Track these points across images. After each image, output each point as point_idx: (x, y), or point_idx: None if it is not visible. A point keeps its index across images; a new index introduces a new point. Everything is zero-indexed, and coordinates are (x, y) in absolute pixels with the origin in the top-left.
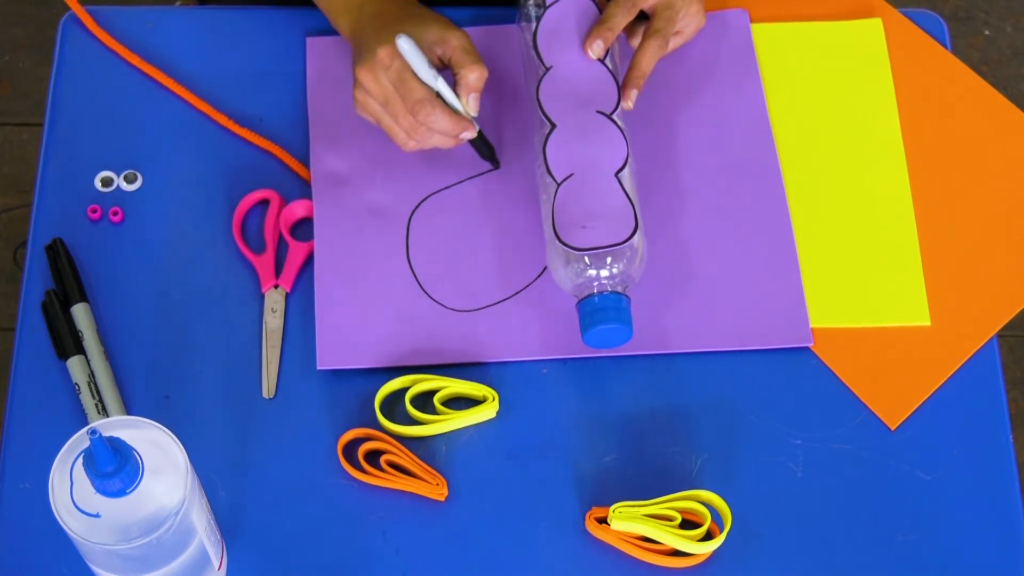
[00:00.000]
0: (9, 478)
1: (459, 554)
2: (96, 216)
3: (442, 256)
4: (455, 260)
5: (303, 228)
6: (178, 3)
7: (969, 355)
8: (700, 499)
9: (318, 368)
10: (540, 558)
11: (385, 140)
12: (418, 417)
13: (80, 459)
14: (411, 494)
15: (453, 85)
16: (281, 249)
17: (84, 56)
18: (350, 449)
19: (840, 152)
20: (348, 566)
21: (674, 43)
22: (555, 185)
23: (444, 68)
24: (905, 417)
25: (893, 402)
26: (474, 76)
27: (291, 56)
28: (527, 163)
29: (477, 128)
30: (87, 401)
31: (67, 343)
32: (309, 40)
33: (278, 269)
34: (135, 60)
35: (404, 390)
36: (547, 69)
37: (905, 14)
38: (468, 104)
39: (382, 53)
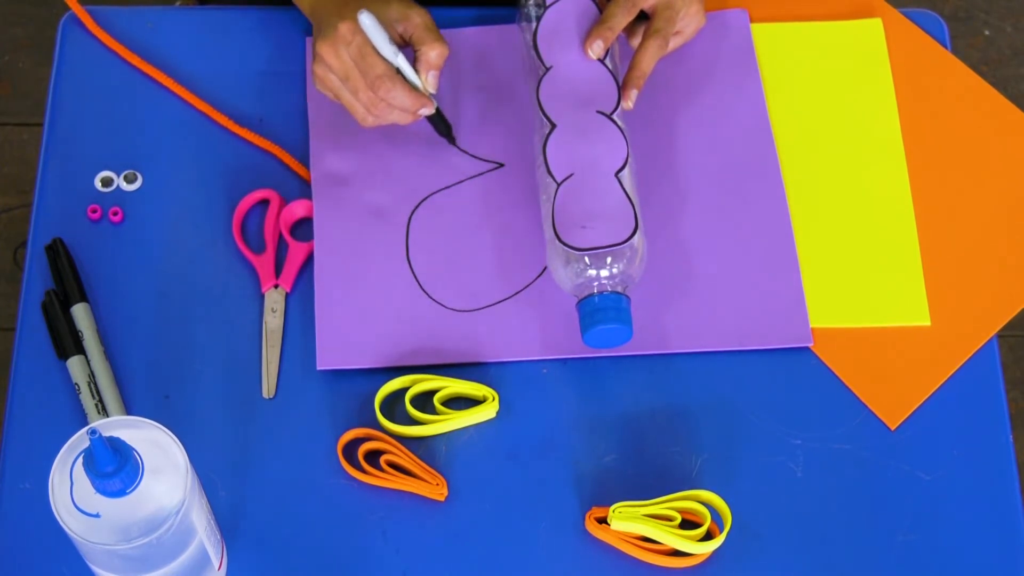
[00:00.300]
0: (9, 478)
1: (459, 554)
2: (96, 216)
3: (442, 256)
4: (455, 260)
5: (303, 228)
6: (178, 3)
7: (969, 355)
8: (700, 499)
9: (318, 368)
10: (540, 558)
11: (385, 140)
12: (418, 417)
13: (80, 459)
14: (411, 494)
15: (413, 62)
16: (281, 249)
17: (84, 56)
18: (350, 449)
19: (840, 152)
20: (348, 566)
21: (674, 43)
22: (555, 185)
23: (405, 46)
24: (905, 417)
25: (893, 402)
26: (434, 53)
27: (291, 56)
28: (527, 163)
29: (435, 105)
30: (87, 401)
31: (67, 343)
32: (309, 40)
33: (278, 269)
34: (135, 60)
35: (404, 390)
36: (547, 69)
37: (905, 14)
38: (427, 81)
39: (343, 28)
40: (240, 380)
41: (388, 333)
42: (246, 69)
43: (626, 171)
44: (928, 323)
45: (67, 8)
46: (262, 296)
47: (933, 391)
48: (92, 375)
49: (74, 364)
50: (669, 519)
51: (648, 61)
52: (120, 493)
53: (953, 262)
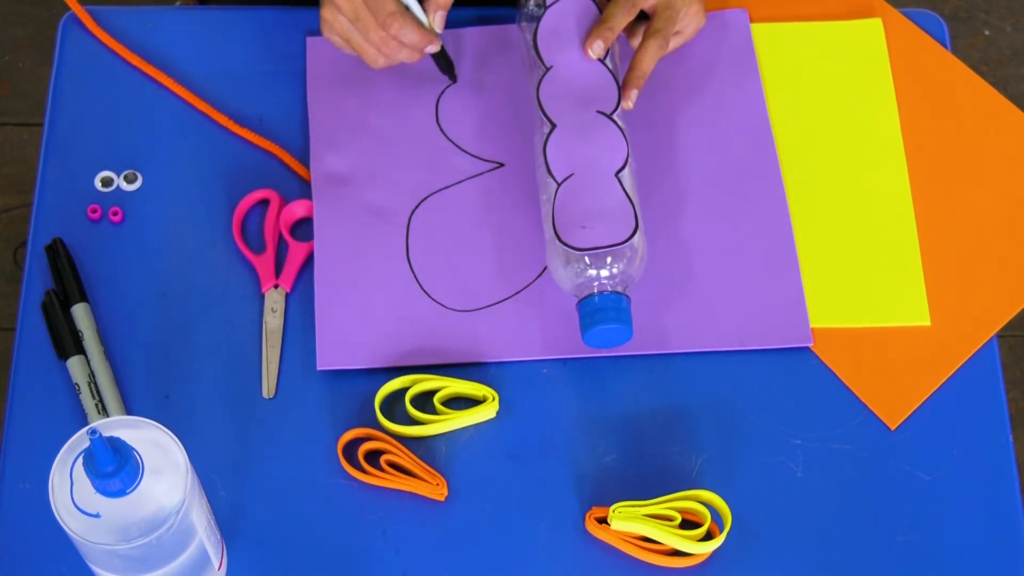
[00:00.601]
0: (9, 478)
1: (459, 554)
2: (96, 216)
3: (442, 256)
4: (455, 260)
5: (303, 228)
6: (178, 3)
7: (969, 355)
8: (700, 499)
9: (318, 368)
10: (540, 558)
11: (385, 140)
12: (418, 417)
13: (80, 459)
14: (411, 494)
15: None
16: (281, 249)
17: (84, 56)
18: (350, 449)
19: (840, 152)
20: (348, 566)
21: (674, 43)
22: (555, 185)
23: None
24: (905, 417)
25: (893, 402)
26: None
27: (291, 56)
28: (527, 163)
29: (441, 43)
30: (87, 401)
31: (67, 343)
32: (309, 40)
33: (278, 269)
34: (135, 60)
35: (404, 390)
36: (547, 69)
37: (905, 14)
38: (435, 20)
39: None
40: (240, 380)
41: (388, 333)
42: (246, 69)
43: (626, 171)
44: (928, 323)
45: (67, 8)
46: (262, 296)
47: (933, 391)
48: (92, 375)
49: (74, 364)
50: (669, 519)
51: (648, 61)
52: (120, 493)
53: (953, 262)
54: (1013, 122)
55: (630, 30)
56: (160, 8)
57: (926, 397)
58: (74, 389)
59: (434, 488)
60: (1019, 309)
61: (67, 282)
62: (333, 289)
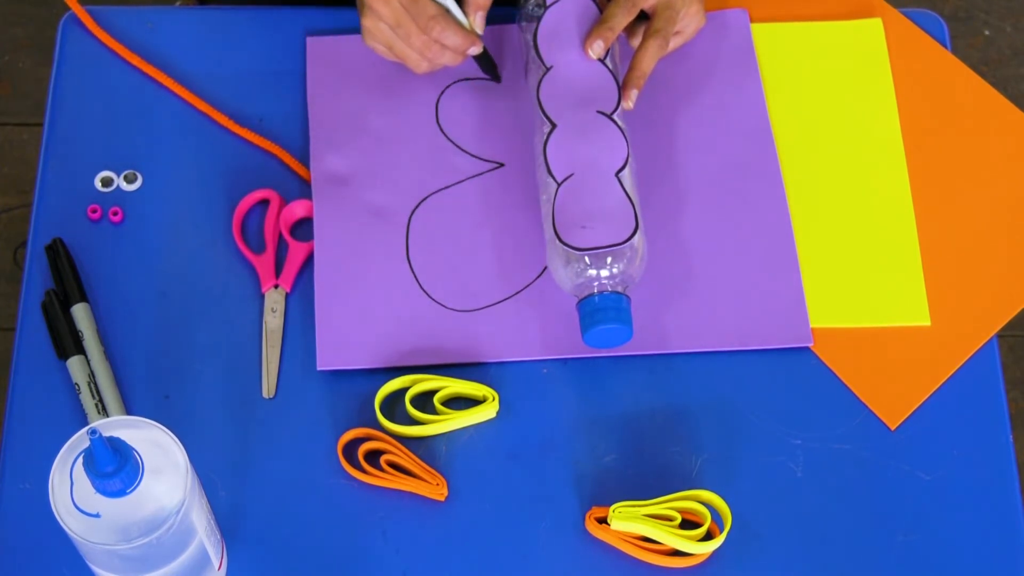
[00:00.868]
0: (9, 478)
1: (459, 554)
2: (96, 216)
3: (442, 256)
4: (455, 260)
5: (303, 228)
6: (178, 3)
7: (969, 355)
8: (700, 499)
9: (318, 368)
10: (540, 558)
11: (385, 140)
12: (418, 417)
13: (80, 459)
14: (411, 494)
15: (460, 4)
16: (281, 249)
17: (84, 56)
18: (350, 449)
19: (840, 152)
20: (348, 566)
21: (674, 43)
22: (555, 185)
23: None
24: (905, 417)
25: (893, 402)
26: None
27: (291, 56)
28: (527, 163)
29: (483, 45)
30: (87, 401)
31: (67, 343)
32: (309, 40)
33: (278, 269)
34: (135, 60)
35: (404, 390)
36: (547, 69)
37: (905, 14)
38: (475, 21)
39: None
40: (240, 380)
41: (388, 333)
42: (246, 69)
43: (626, 171)
44: (928, 323)
45: (67, 8)
46: (262, 296)
47: (933, 391)
48: (92, 375)
49: (74, 364)
50: (669, 519)
51: (648, 61)
52: (120, 493)
53: (953, 262)
54: (1013, 122)
55: (630, 30)
56: (160, 8)
57: (926, 397)
58: (74, 389)
59: (434, 488)
60: (1019, 309)
61: (67, 282)
62: (333, 289)
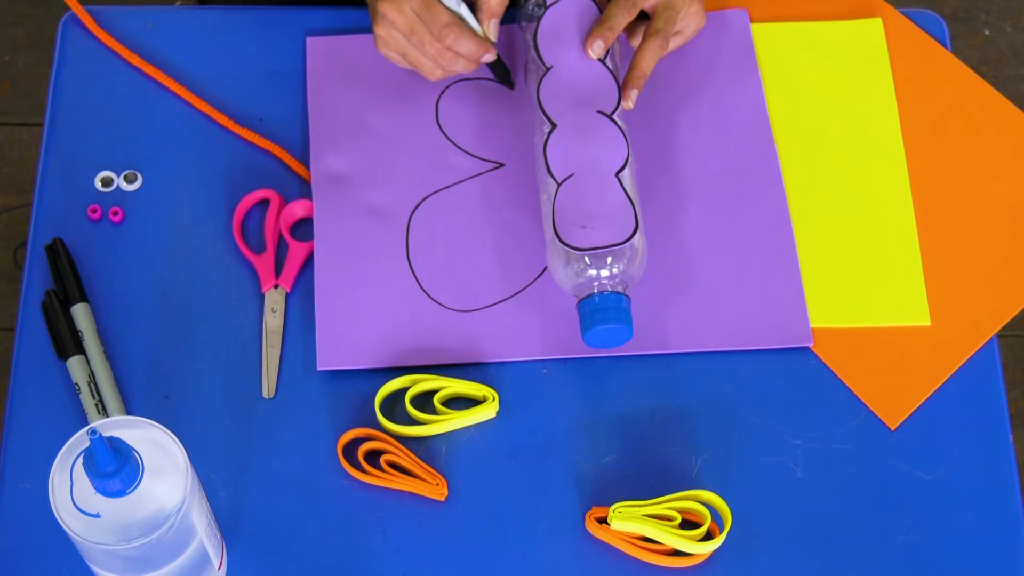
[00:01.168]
0: (9, 478)
1: (459, 554)
2: (96, 216)
3: (442, 256)
4: (455, 260)
5: (303, 228)
6: (178, 3)
7: (969, 355)
8: (700, 499)
9: (318, 368)
10: (540, 558)
11: (385, 140)
12: (418, 417)
13: (80, 459)
14: (411, 494)
15: (473, 11)
16: (281, 249)
17: (84, 56)
18: (350, 449)
19: (840, 152)
20: (348, 566)
21: (674, 43)
22: (555, 185)
23: None
24: (905, 417)
25: (893, 402)
26: (495, 1)
27: (291, 56)
28: (527, 163)
29: (496, 52)
30: (87, 401)
31: (67, 343)
32: (309, 40)
33: (278, 269)
34: (135, 60)
35: (404, 390)
36: (547, 69)
37: (905, 14)
38: (488, 28)
39: None
40: (240, 380)
41: (388, 333)
42: (246, 69)
43: (626, 171)
44: (928, 323)
45: (67, 8)
46: (262, 296)
47: (933, 391)
48: (92, 375)
49: (74, 364)
50: (669, 519)
51: (648, 61)
52: (120, 493)
53: (953, 262)
54: (1013, 122)
55: (630, 30)
56: (160, 8)
57: (926, 397)
58: (74, 389)
59: (434, 488)
60: (1019, 309)
61: (67, 282)
62: (333, 289)
